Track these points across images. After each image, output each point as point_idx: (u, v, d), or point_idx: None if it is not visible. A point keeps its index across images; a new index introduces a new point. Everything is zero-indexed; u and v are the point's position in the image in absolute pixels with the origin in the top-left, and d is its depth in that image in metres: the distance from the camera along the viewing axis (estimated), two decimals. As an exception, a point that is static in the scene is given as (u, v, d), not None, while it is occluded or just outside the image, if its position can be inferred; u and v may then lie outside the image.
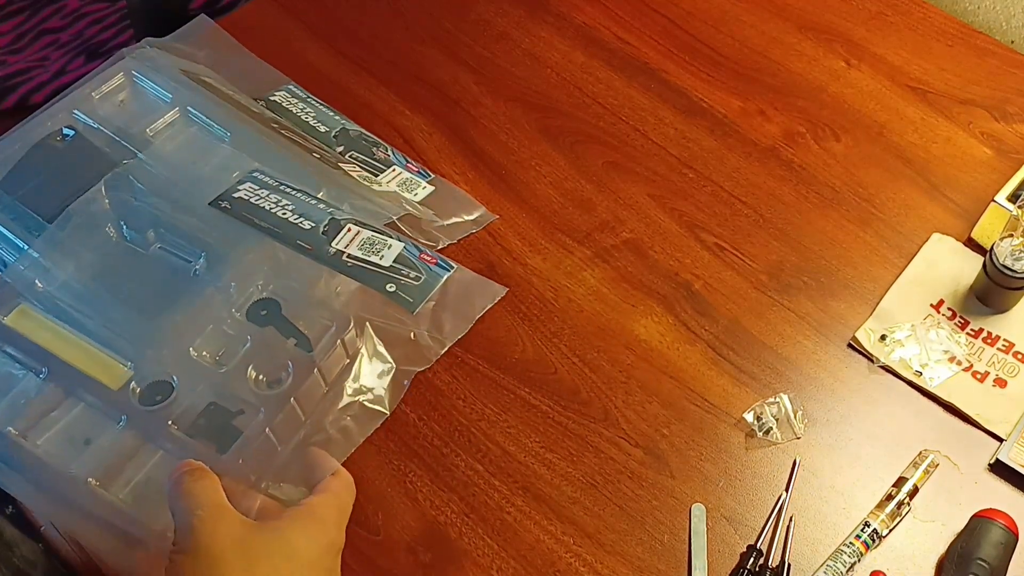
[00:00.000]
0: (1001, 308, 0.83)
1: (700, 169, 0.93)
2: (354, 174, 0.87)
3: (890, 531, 0.72)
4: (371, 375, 0.75)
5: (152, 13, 1.50)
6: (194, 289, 0.74)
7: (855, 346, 0.81)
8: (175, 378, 0.70)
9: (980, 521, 0.70)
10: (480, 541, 0.72)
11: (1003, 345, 0.81)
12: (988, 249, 0.81)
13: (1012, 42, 1.07)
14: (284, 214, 0.76)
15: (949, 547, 0.71)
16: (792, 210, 0.90)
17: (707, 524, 0.73)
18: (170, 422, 0.68)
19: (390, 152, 0.92)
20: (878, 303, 0.83)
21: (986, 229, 0.85)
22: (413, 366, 0.78)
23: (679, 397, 0.79)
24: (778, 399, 0.77)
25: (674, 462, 0.76)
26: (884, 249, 0.87)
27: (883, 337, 0.81)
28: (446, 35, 1.03)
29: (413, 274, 0.73)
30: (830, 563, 0.70)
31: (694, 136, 0.95)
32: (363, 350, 0.74)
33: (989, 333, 0.82)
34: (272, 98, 0.94)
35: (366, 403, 0.75)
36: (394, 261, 0.74)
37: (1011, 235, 0.79)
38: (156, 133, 0.85)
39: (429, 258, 0.73)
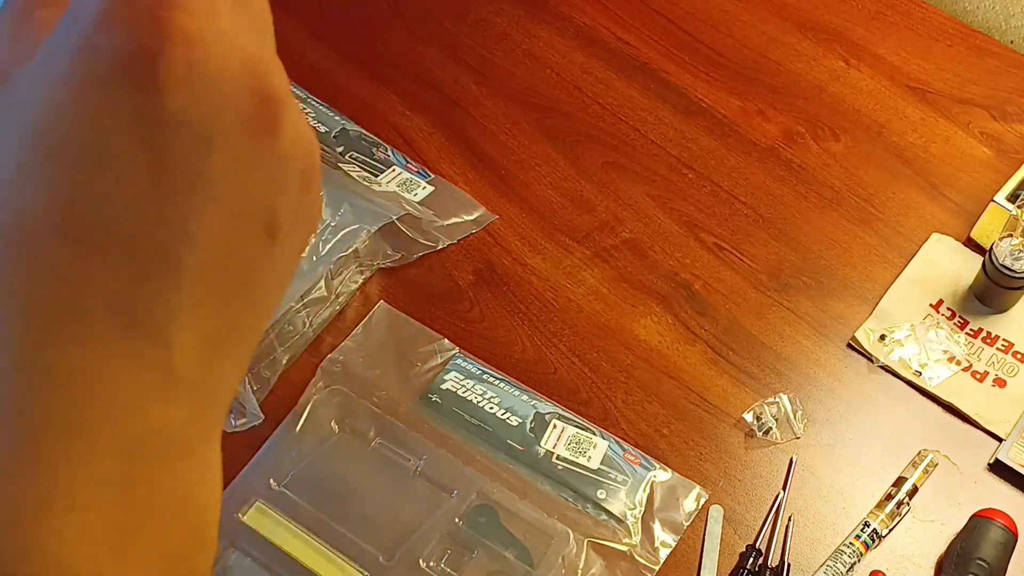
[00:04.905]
0: (1000, 308, 0.83)
1: (700, 169, 0.93)
2: (354, 174, 0.87)
3: (890, 531, 0.72)
4: None
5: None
6: (416, 493, 0.73)
7: (855, 346, 0.81)
8: None
9: (979, 521, 0.70)
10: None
11: (1002, 345, 0.81)
12: (987, 249, 0.81)
13: (1012, 42, 1.07)
14: (491, 408, 0.76)
15: (948, 547, 0.71)
16: (792, 210, 0.90)
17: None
18: None
19: (390, 152, 0.92)
20: (877, 303, 0.83)
21: (985, 229, 0.85)
22: None
23: (679, 397, 0.79)
24: (778, 399, 0.77)
25: (674, 462, 0.76)
26: (884, 249, 0.87)
27: (882, 337, 0.81)
28: (446, 35, 1.03)
29: (620, 477, 0.73)
30: (830, 563, 0.70)
31: (694, 136, 0.95)
32: (585, 571, 0.70)
33: (988, 333, 0.82)
34: (272, 98, 0.94)
35: None
36: (601, 463, 0.74)
37: (1010, 235, 0.79)
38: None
39: (633, 458, 0.74)
